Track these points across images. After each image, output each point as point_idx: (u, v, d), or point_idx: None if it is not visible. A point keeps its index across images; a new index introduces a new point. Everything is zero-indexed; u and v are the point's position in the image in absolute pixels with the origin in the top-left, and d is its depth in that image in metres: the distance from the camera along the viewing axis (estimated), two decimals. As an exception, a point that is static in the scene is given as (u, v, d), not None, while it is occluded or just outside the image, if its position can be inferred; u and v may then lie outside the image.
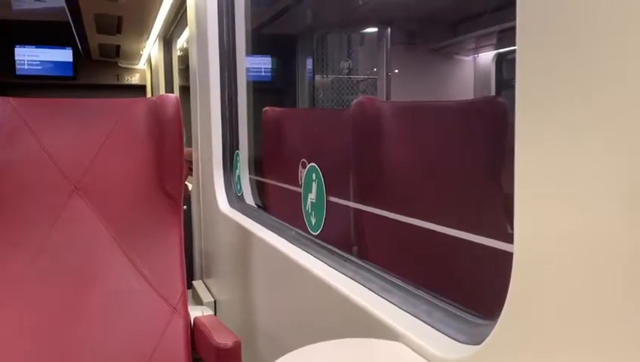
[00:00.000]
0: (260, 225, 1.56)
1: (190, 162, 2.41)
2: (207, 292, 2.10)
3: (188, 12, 2.33)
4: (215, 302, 2.00)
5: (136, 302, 1.38)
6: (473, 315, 0.73)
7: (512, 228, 0.56)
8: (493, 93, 2.29)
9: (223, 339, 1.21)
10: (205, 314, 1.46)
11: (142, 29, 3.98)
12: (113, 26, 3.84)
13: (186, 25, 3.08)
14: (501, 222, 1.20)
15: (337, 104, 3.82)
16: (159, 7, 3.28)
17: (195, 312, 1.45)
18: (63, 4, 3.61)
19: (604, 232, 0.46)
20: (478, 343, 0.64)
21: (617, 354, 0.46)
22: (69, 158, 1.44)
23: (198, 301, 2.06)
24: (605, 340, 0.47)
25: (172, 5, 3.18)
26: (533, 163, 0.52)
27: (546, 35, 0.50)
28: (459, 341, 0.70)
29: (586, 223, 0.47)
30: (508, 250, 0.70)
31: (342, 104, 3.82)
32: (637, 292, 0.43)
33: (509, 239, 0.79)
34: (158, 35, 4.06)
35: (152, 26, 3.85)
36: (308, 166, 1.35)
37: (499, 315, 0.60)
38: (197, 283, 2.22)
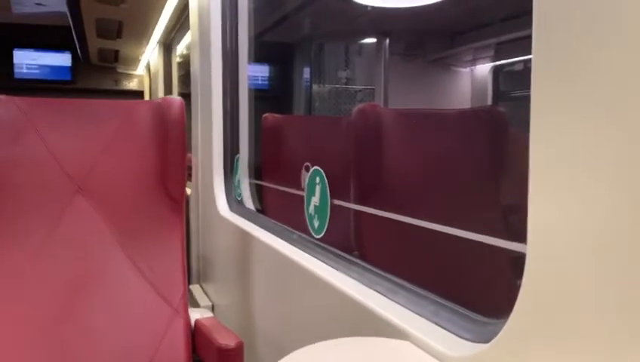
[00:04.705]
0: (260, 229, 1.56)
1: (189, 167, 2.41)
2: (205, 296, 2.10)
3: (190, 18, 2.34)
4: (213, 306, 1.99)
5: (137, 302, 1.38)
6: (481, 314, 0.74)
7: (510, 229, 0.57)
8: (490, 103, 2.31)
9: (225, 340, 1.21)
10: (205, 316, 1.46)
11: (142, 34, 3.99)
12: (114, 30, 3.85)
13: (187, 31, 3.10)
14: (500, 223, 1.22)
15: (334, 114, 3.83)
16: (160, 13, 3.29)
17: (195, 314, 1.45)
18: (64, 8, 3.62)
19: (617, 231, 0.46)
20: (487, 341, 0.64)
21: (629, 352, 0.46)
22: (73, 158, 1.44)
23: (195, 305, 2.05)
24: (617, 339, 0.47)
25: (173, 11, 3.19)
26: (548, 161, 0.53)
27: (560, 35, 0.51)
28: (467, 339, 0.71)
29: (599, 223, 0.48)
30: (517, 250, 0.72)
31: (339, 114, 3.83)
32: None
33: (513, 240, 0.80)
34: (158, 41, 4.07)
35: (153, 32, 3.86)
36: (312, 169, 1.36)
37: (506, 314, 0.61)
38: (194, 287, 2.21)
